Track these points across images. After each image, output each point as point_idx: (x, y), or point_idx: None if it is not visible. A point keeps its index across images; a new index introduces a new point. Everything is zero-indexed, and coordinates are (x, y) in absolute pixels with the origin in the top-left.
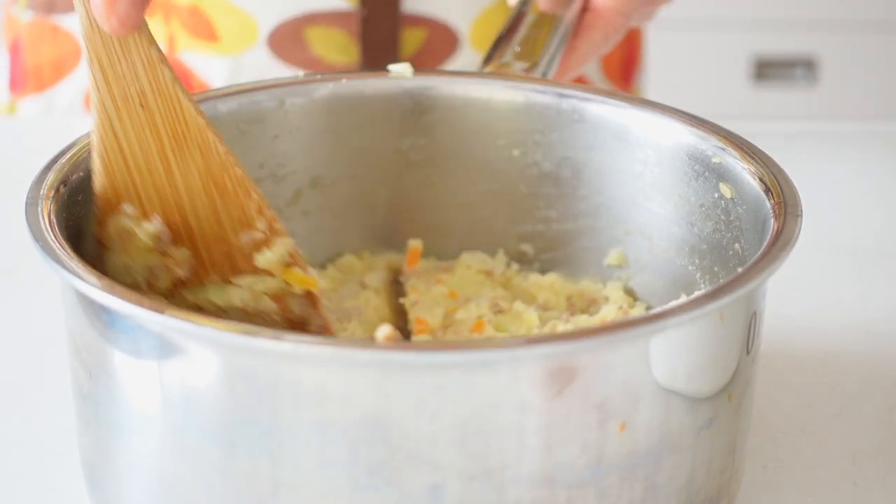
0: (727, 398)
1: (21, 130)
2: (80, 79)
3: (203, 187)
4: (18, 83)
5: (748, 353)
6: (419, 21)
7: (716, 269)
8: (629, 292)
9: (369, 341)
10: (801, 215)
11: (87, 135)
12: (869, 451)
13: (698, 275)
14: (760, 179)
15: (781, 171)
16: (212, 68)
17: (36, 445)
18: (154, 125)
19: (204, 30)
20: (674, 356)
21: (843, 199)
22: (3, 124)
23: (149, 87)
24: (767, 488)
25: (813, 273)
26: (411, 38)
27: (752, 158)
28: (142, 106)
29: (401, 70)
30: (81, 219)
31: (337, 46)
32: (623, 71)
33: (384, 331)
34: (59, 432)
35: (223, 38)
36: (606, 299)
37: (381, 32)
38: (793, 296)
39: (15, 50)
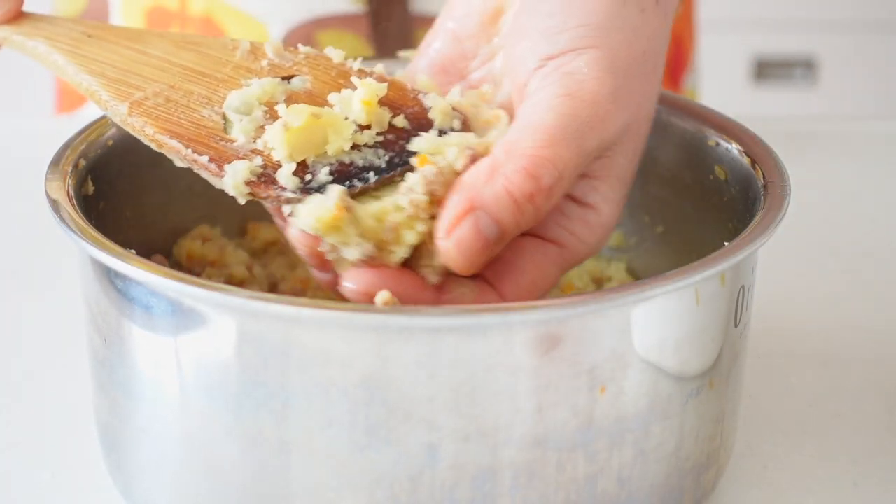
0: (716, 367)
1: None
2: None
3: None
4: (58, 105)
5: (736, 325)
6: (430, 22)
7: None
8: (631, 272)
9: (368, 306)
10: (789, 193)
11: (104, 115)
12: (869, 451)
13: (694, 255)
14: (751, 161)
15: (771, 152)
16: None
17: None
18: None
19: None
20: (662, 324)
21: (843, 199)
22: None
23: None
24: (767, 488)
25: (813, 273)
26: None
27: (745, 141)
28: None
29: (408, 56)
30: (100, 194)
31: (349, 49)
32: (671, 72)
33: (383, 296)
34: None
35: None
36: (610, 279)
37: (392, 34)
38: (792, 295)
39: None
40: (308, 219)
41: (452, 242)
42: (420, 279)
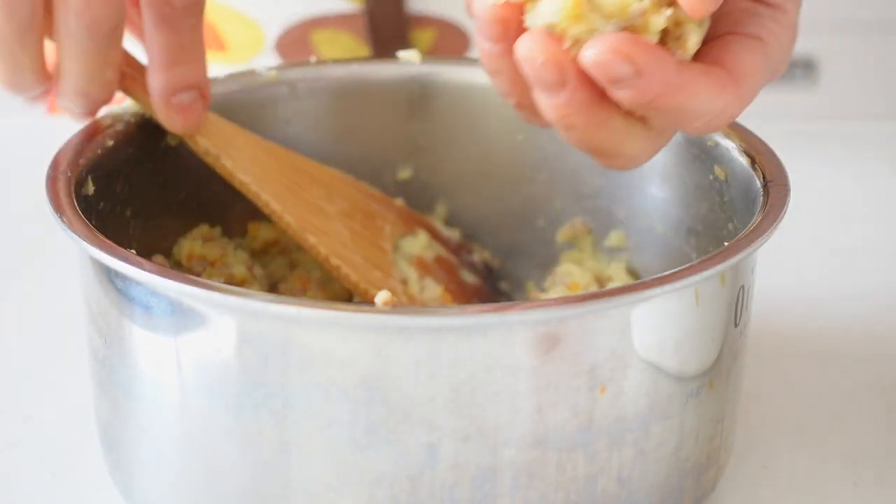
0: (715, 367)
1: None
2: None
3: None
4: (50, 105)
5: (736, 325)
6: (427, 21)
7: (710, 248)
8: (632, 272)
9: (368, 306)
10: (789, 193)
11: (104, 115)
12: (869, 451)
13: (694, 255)
14: (751, 161)
15: (771, 152)
16: None
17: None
18: None
19: (211, 39)
20: (662, 324)
21: (842, 199)
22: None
23: None
24: (767, 488)
25: (813, 273)
26: (420, 39)
27: (744, 141)
28: None
29: (409, 56)
30: (100, 194)
31: (345, 49)
32: None
33: (383, 296)
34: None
35: (231, 47)
36: (610, 279)
37: (388, 33)
38: (792, 295)
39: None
40: (549, 13)
41: None
42: (667, 51)
